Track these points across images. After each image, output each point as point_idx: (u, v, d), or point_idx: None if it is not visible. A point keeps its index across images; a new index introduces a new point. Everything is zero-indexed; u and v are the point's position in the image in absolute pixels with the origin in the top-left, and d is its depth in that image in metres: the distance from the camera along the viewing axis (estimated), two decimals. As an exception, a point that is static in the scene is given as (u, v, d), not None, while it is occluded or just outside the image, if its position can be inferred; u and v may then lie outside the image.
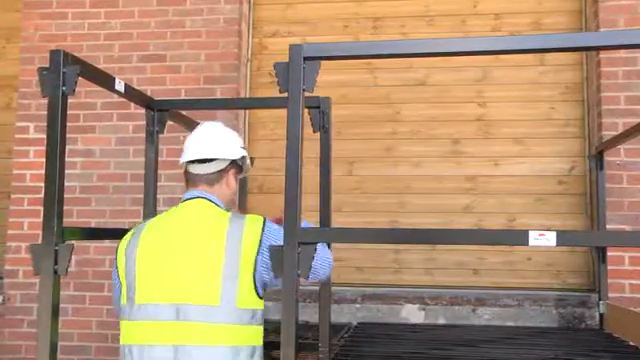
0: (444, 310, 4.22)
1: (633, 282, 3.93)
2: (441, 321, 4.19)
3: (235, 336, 2.03)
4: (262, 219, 2.19)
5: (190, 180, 2.30)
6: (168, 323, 2.05)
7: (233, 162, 2.35)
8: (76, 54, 2.36)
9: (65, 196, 2.29)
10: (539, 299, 4.15)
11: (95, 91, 3.62)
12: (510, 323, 4.11)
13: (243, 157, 2.40)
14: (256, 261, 2.08)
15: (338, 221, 4.19)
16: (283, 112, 2.09)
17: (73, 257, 2.30)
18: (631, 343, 3.26)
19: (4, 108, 5.10)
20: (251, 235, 2.10)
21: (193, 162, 2.29)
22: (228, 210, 2.29)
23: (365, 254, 4.46)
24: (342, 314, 4.26)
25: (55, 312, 2.24)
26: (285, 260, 2.01)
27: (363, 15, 4.71)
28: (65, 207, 2.29)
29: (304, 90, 2.05)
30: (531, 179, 4.39)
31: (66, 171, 2.30)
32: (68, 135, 2.30)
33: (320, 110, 2.99)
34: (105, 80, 2.63)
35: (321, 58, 2.08)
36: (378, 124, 4.59)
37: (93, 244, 4.41)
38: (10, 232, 4.57)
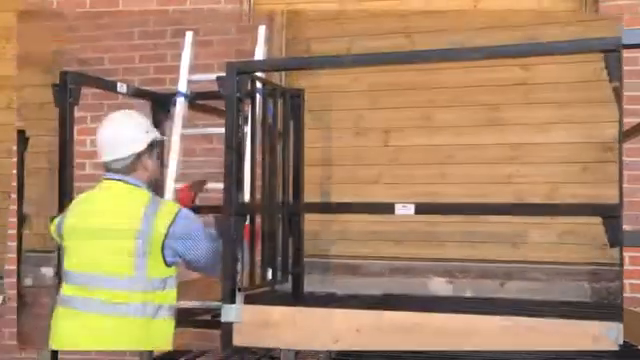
0: (471, 283, 4.04)
1: (633, 282, 3.93)
2: (468, 294, 4.00)
3: (145, 297, 2.26)
4: (176, 209, 2.38)
5: (107, 168, 2.44)
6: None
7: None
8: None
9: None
10: (571, 273, 3.96)
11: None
12: (539, 297, 3.82)
13: (152, 140, 2.48)
14: (164, 245, 2.28)
15: (376, 194, 4.06)
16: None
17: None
18: (631, 343, 3.28)
19: (4, 108, 5.09)
20: (163, 222, 2.29)
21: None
22: (149, 190, 2.45)
23: (399, 226, 4.13)
24: (369, 288, 4.04)
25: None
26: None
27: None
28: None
29: (239, 98, 2.52)
30: (576, 146, 4.11)
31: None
32: (76, 137, 2.41)
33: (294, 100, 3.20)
34: (107, 85, 2.92)
35: (251, 72, 2.63)
36: (415, 92, 4.27)
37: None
38: (10, 232, 4.57)
